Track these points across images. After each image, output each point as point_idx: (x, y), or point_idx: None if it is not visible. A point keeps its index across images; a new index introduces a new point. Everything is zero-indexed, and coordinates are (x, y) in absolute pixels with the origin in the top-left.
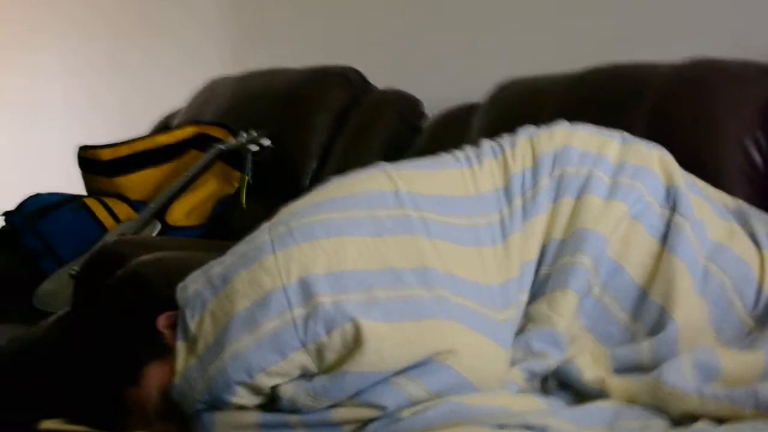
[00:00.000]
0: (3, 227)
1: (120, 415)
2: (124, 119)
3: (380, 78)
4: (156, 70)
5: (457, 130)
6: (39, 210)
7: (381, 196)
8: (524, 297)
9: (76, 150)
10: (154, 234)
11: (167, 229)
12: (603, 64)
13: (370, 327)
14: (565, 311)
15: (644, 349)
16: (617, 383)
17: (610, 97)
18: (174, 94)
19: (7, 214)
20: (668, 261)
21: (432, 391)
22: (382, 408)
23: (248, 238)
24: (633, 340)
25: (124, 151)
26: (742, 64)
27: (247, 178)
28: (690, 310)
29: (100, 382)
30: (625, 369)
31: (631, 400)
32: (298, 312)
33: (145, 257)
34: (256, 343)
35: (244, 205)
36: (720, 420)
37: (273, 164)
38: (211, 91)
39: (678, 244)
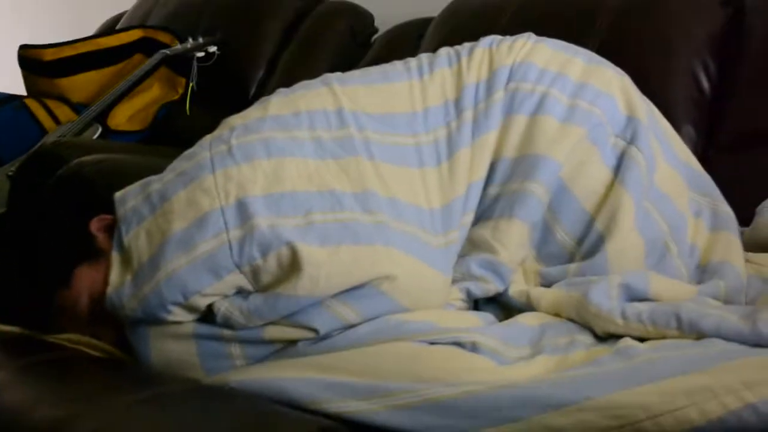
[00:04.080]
0: None
1: (52, 317)
2: (73, 21)
3: None
4: None
5: (407, 45)
6: None
7: (324, 115)
8: (469, 219)
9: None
10: (94, 137)
11: (108, 132)
12: None
13: (307, 251)
14: (509, 241)
15: (571, 270)
16: (541, 293)
17: (563, 17)
18: None
19: None
20: (617, 192)
21: (366, 316)
22: (314, 331)
23: (188, 153)
24: (570, 262)
25: (67, 51)
26: None
27: (192, 84)
28: (625, 244)
29: (31, 282)
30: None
31: (558, 312)
32: (234, 234)
33: (87, 158)
34: (191, 264)
35: (189, 112)
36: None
37: (219, 72)
38: None
39: (629, 177)
